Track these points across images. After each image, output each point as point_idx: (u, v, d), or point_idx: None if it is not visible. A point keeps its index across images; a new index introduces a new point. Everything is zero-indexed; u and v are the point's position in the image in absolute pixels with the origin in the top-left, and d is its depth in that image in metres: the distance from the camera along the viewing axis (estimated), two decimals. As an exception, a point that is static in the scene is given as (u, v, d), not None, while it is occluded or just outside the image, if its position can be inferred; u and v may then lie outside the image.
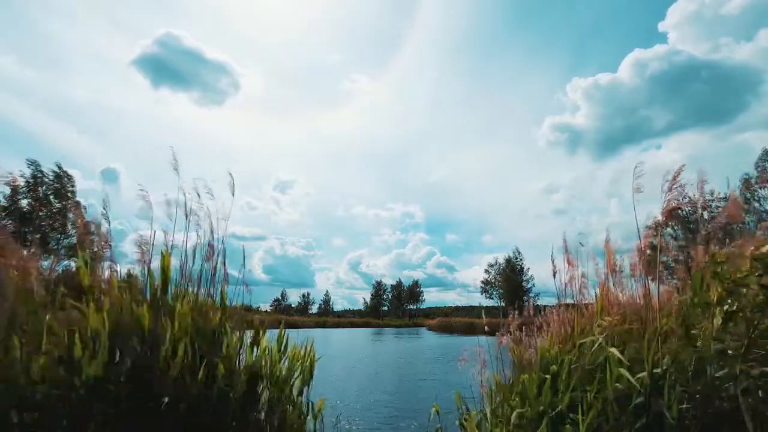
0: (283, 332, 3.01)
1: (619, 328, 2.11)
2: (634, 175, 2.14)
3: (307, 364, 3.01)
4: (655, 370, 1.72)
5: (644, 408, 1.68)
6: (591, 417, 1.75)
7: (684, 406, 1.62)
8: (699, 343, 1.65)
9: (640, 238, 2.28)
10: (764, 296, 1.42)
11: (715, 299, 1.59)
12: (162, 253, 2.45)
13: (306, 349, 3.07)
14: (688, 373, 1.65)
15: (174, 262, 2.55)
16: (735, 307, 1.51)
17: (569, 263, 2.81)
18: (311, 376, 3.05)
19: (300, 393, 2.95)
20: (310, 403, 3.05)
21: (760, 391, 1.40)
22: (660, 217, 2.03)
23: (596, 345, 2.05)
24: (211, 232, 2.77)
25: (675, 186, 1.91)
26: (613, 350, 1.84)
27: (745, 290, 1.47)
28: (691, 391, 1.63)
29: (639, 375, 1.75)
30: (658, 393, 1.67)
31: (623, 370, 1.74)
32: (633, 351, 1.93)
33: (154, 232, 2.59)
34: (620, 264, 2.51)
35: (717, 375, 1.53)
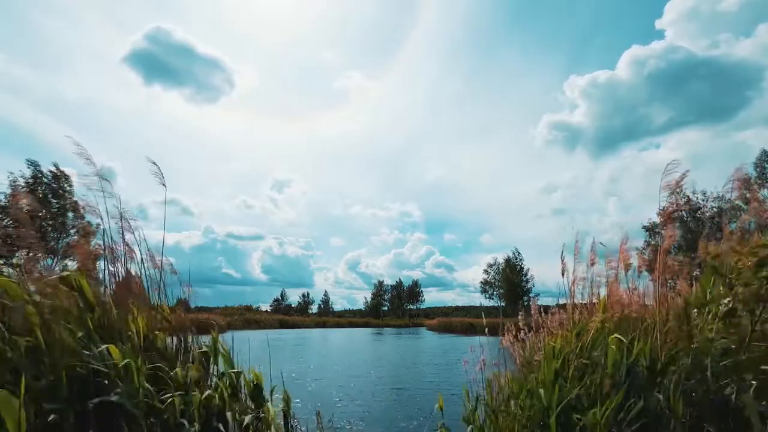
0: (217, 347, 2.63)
1: (608, 319, 2.13)
2: (664, 173, 2.05)
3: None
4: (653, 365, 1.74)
5: (639, 399, 1.70)
6: (610, 409, 1.74)
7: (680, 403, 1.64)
8: (696, 341, 1.67)
9: (650, 238, 2.28)
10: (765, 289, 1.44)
11: (712, 296, 1.62)
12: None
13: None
14: (685, 370, 1.67)
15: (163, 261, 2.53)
16: (732, 305, 1.53)
17: (587, 262, 2.77)
18: (288, 410, 2.80)
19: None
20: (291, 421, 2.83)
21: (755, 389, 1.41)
22: (658, 219, 2.04)
23: (592, 332, 2.08)
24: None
25: (676, 189, 1.90)
26: (616, 336, 1.85)
27: (741, 286, 1.50)
28: (689, 389, 1.65)
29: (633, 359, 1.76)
30: (656, 387, 1.69)
31: (615, 349, 1.75)
32: (629, 341, 1.96)
33: (134, 232, 2.57)
34: (628, 264, 2.51)
35: (713, 371, 1.55)
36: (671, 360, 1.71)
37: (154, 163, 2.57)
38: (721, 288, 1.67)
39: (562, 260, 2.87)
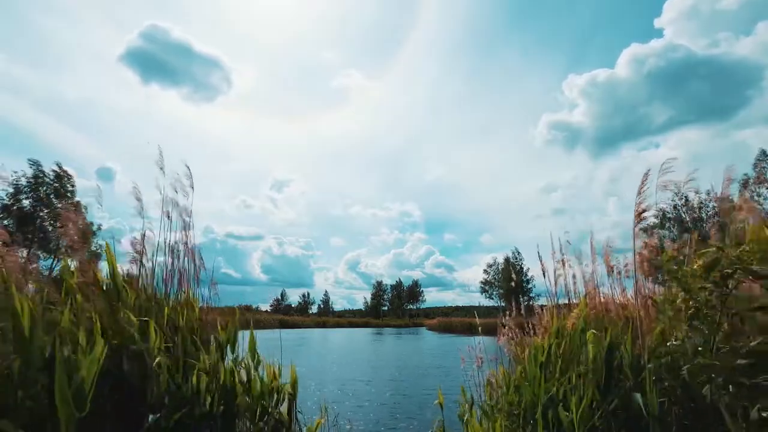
0: (253, 339, 2.80)
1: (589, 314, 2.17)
2: (660, 171, 2.08)
3: (286, 383, 2.83)
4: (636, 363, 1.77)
5: (625, 398, 1.73)
6: (585, 405, 1.79)
7: (662, 400, 1.67)
8: (671, 341, 1.70)
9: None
10: (718, 296, 1.45)
11: (680, 299, 1.64)
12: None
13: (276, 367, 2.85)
14: (663, 368, 1.70)
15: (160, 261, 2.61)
16: (695, 307, 1.55)
17: (562, 263, 2.82)
18: (294, 395, 2.88)
19: (289, 408, 2.79)
20: (295, 418, 2.87)
21: (730, 386, 1.43)
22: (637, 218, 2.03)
23: (576, 330, 2.11)
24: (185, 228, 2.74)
25: (644, 189, 1.91)
26: (593, 332, 1.88)
27: (699, 291, 1.51)
28: (668, 388, 1.67)
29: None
30: (639, 387, 1.73)
31: (594, 346, 1.78)
32: (612, 337, 1.99)
33: (144, 232, 2.62)
34: (614, 264, 2.54)
35: (685, 369, 1.56)
36: (651, 357, 1.75)
37: (187, 167, 2.83)
38: (680, 291, 1.69)
39: (541, 261, 2.89)
